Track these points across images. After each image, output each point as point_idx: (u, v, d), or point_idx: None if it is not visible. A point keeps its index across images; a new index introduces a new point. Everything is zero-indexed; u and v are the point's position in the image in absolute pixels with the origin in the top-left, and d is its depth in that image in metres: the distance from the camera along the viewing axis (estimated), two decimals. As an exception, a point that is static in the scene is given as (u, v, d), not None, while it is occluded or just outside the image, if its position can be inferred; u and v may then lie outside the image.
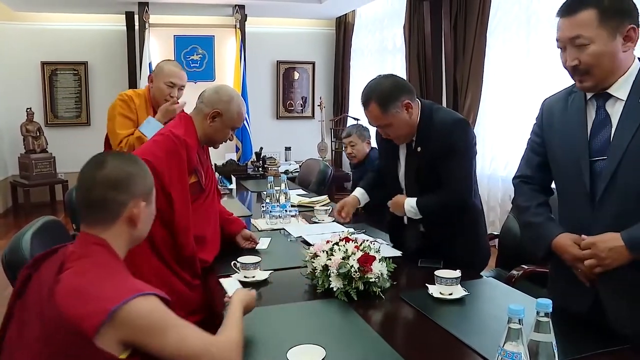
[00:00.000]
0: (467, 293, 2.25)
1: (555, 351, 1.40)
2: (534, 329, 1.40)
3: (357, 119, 7.51)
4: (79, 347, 1.41)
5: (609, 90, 1.95)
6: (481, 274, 2.69)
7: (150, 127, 3.58)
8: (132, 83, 8.41)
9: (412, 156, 2.82)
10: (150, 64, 7.75)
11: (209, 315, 2.44)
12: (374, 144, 4.31)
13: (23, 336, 1.53)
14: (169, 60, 4.07)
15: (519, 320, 1.36)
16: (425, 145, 2.73)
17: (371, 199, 3.25)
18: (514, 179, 2.36)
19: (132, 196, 1.64)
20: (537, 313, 1.40)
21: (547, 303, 1.39)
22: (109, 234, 1.62)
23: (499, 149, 6.09)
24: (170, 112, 3.65)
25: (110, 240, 1.61)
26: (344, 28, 9.36)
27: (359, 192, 3.23)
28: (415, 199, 2.76)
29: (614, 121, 1.94)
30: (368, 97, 2.70)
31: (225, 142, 2.87)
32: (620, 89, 1.93)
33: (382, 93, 2.67)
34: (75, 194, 1.69)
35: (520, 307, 1.36)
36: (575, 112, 2.06)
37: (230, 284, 2.13)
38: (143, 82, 7.77)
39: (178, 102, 3.72)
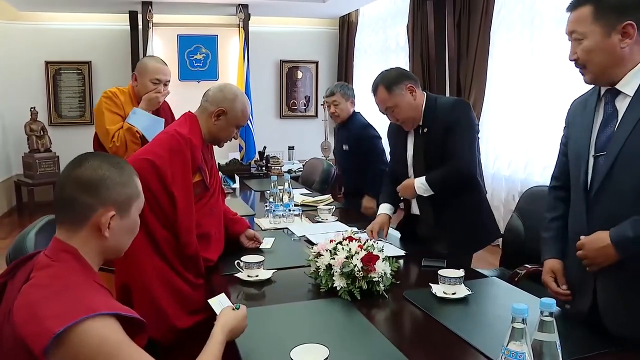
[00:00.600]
0: (470, 292, 2.24)
1: (559, 351, 1.39)
2: (537, 329, 1.39)
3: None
4: None
5: (617, 86, 1.95)
6: (485, 273, 2.70)
7: (137, 117, 3.55)
8: None
9: (419, 140, 3.03)
10: None
11: (211, 315, 2.40)
12: (358, 108, 4.36)
13: None
14: (151, 56, 4.06)
15: (523, 319, 1.35)
16: (430, 127, 2.96)
17: (395, 208, 3.31)
18: (550, 179, 2.40)
19: (102, 202, 1.51)
20: (541, 312, 1.39)
21: (550, 302, 1.38)
22: (78, 240, 1.51)
23: (503, 148, 6.08)
24: (153, 101, 3.62)
25: (80, 248, 1.50)
26: (347, 27, 9.33)
27: (386, 208, 3.25)
28: (424, 176, 2.96)
29: (620, 117, 1.93)
30: (376, 84, 3.01)
31: (230, 140, 2.86)
32: (629, 85, 1.92)
33: (388, 78, 2.99)
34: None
35: (524, 306, 1.35)
36: (590, 110, 2.07)
37: (218, 303, 2.01)
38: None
39: (161, 91, 3.68)
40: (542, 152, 5.45)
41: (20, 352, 1.33)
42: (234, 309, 1.88)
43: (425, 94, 3.03)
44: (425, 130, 2.99)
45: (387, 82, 2.97)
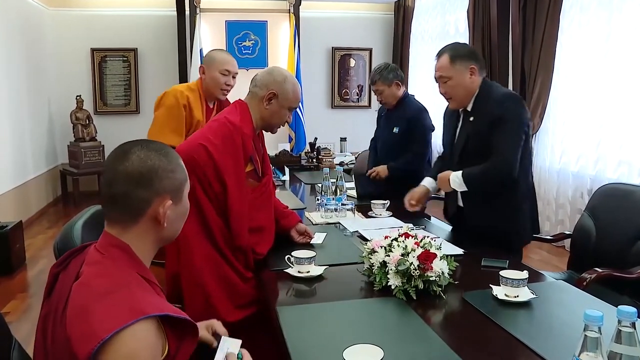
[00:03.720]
0: (535, 296, 2.15)
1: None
2: (614, 340, 1.32)
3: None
4: None
5: None
6: (550, 276, 2.65)
7: None
8: (183, 70, 8.40)
9: (464, 127, 3.04)
10: (201, 50, 7.85)
11: (260, 309, 2.45)
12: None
13: (45, 342, 1.48)
14: (218, 49, 4.04)
15: (599, 328, 1.30)
16: (477, 115, 2.94)
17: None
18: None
19: (157, 193, 1.49)
20: (619, 322, 1.31)
21: (631, 311, 1.30)
22: (132, 235, 1.50)
23: (570, 142, 5.84)
24: None
25: (133, 243, 1.49)
26: (403, 12, 9.18)
27: (427, 182, 3.32)
28: (460, 171, 2.95)
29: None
30: (443, 50, 3.01)
31: (283, 125, 2.83)
32: None
33: (457, 49, 3.00)
34: (99, 188, 1.56)
35: (599, 313, 1.30)
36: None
37: (224, 346, 1.77)
38: (194, 69, 7.83)
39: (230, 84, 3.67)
40: (617, 146, 5.20)
41: (66, 351, 1.33)
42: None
43: (482, 82, 3.00)
44: (472, 118, 2.97)
45: (455, 53, 2.96)
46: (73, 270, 1.50)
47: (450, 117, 3.18)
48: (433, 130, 4.27)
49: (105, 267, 1.42)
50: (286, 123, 2.82)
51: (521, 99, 3.00)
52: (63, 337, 1.35)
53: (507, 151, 2.83)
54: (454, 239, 2.97)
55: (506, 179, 2.88)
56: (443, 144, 3.32)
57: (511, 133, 2.84)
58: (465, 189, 2.94)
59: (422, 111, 4.24)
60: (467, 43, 3.12)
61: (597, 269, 2.80)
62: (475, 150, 2.91)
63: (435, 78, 3.04)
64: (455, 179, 2.94)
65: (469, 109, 2.98)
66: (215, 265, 2.47)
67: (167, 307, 1.41)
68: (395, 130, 4.24)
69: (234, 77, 3.71)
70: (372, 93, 7.72)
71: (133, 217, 1.49)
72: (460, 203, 3.12)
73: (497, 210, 2.93)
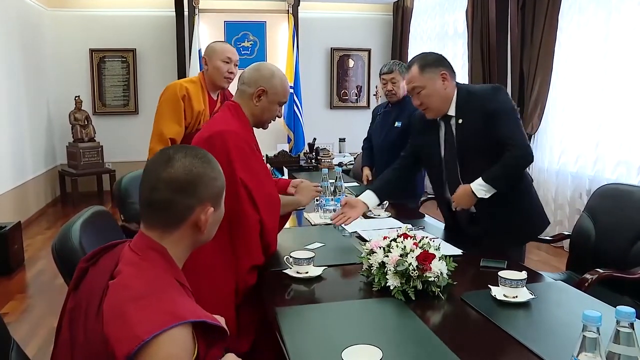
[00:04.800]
0: (533, 297, 2.14)
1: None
2: (613, 340, 1.31)
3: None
4: None
5: None
6: (549, 277, 2.61)
7: None
8: (181, 70, 8.38)
9: (452, 132, 2.95)
10: (200, 51, 7.82)
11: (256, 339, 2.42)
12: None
13: (72, 335, 1.48)
14: (218, 41, 4.10)
15: (597, 328, 1.28)
16: (466, 116, 2.89)
17: (382, 199, 3.27)
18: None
19: (200, 201, 1.51)
20: (618, 322, 1.30)
21: (629, 312, 1.29)
22: (171, 239, 1.51)
23: (569, 143, 5.82)
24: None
25: (170, 247, 1.51)
26: (402, 12, 9.14)
27: (368, 197, 3.15)
28: (479, 178, 2.82)
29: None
30: (411, 61, 2.97)
31: (274, 120, 2.81)
32: None
33: (425, 59, 2.94)
34: (139, 190, 1.56)
35: (597, 313, 1.28)
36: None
37: None
38: (193, 69, 7.82)
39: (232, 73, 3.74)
40: (616, 147, 5.19)
41: (101, 349, 1.33)
42: None
43: (456, 86, 2.96)
44: (461, 121, 2.91)
45: (422, 62, 2.91)
46: (105, 267, 1.51)
47: (425, 128, 3.09)
48: None
49: (144, 268, 1.44)
50: (278, 118, 2.81)
51: (505, 88, 3.02)
52: (98, 335, 1.35)
53: (519, 139, 2.80)
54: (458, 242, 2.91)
55: (526, 165, 2.92)
56: (424, 159, 3.20)
57: (514, 121, 2.82)
58: (494, 191, 2.82)
59: None
60: (435, 52, 3.01)
61: (598, 269, 2.79)
62: (476, 150, 2.86)
63: (407, 91, 3.02)
64: (480, 188, 2.82)
65: (452, 113, 2.92)
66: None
67: (203, 313, 1.41)
68: (398, 124, 4.28)
69: (235, 65, 3.77)
70: (376, 88, 7.75)
71: (174, 223, 1.50)
72: (473, 209, 3.00)
73: (512, 203, 2.89)
